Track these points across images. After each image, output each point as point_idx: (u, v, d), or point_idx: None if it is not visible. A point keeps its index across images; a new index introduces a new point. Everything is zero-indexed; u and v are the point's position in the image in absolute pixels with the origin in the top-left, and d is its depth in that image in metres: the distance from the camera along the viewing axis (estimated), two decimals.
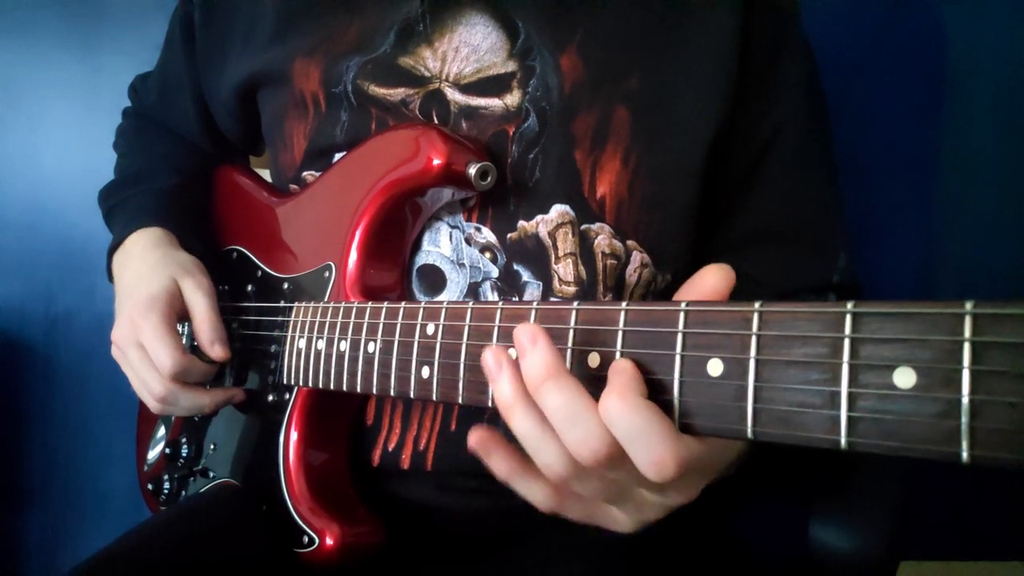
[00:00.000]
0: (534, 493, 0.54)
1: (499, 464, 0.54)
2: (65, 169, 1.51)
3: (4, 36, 1.48)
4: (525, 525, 0.83)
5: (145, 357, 0.82)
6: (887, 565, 0.79)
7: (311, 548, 0.76)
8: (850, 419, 0.37)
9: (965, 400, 0.33)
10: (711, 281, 0.50)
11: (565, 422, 0.48)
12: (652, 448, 0.44)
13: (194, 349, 0.86)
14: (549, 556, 0.82)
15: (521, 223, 0.79)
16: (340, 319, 0.74)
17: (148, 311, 0.82)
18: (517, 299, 0.79)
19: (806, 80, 0.86)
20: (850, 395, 0.37)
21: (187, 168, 1.03)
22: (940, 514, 1.17)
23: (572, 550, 0.80)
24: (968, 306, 0.34)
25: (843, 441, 0.37)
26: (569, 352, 0.51)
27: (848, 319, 0.38)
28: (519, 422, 0.50)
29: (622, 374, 0.46)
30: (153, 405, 0.85)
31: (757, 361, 0.41)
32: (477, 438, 0.54)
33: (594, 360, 0.50)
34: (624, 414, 0.45)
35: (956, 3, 1.20)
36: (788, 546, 0.82)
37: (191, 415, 0.91)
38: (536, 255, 0.79)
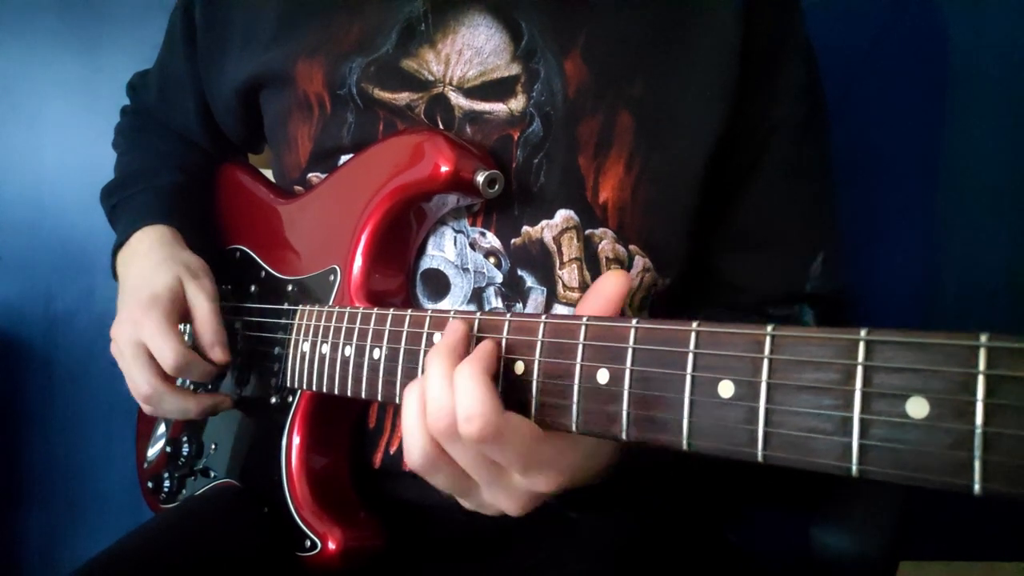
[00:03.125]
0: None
1: None
2: (65, 169, 1.50)
3: (4, 36, 1.48)
4: (526, 526, 0.83)
5: (139, 354, 0.82)
6: (887, 565, 0.79)
7: (314, 552, 0.76)
8: (862, 447, 0.37)
9: (978, 432, 0.34)
10: (605, 287, 0.57)
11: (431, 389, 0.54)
12: (469, 406, 0.51)
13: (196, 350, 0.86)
14: (549, 557, 0.82)
15: (526, 228, 0.79)
16: (345, 324, 0.73)
17: (150, 308, 0.82)
18: (521, 305, 0.79)
19: (805, 82, 0.86)
20: (862, 422, 0.37)
21: (188, 166, 1.03)
22: (940, 514, 1.18)
23: (572, 551, 0.81)
24: (983, 339, 0.34)
25: (854, 469, 0.37)
26: (578, 368, 0.51)
27: (861, 346, 0.38)
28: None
29: (478, 350, 0.55)
30: (143, 406, 0.85)
31: (768, 384, 0.41)
32: None
33: (603, 376, 0.50)
34: (460, 378, 0.52)
35: (956, 3, 1.20)
36: (787, 546, 0.82)
37: (177, 418, 0.90)
38: (540, 260, 0.79)
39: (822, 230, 0.88)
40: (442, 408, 0.53)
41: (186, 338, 0.95)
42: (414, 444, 0.56)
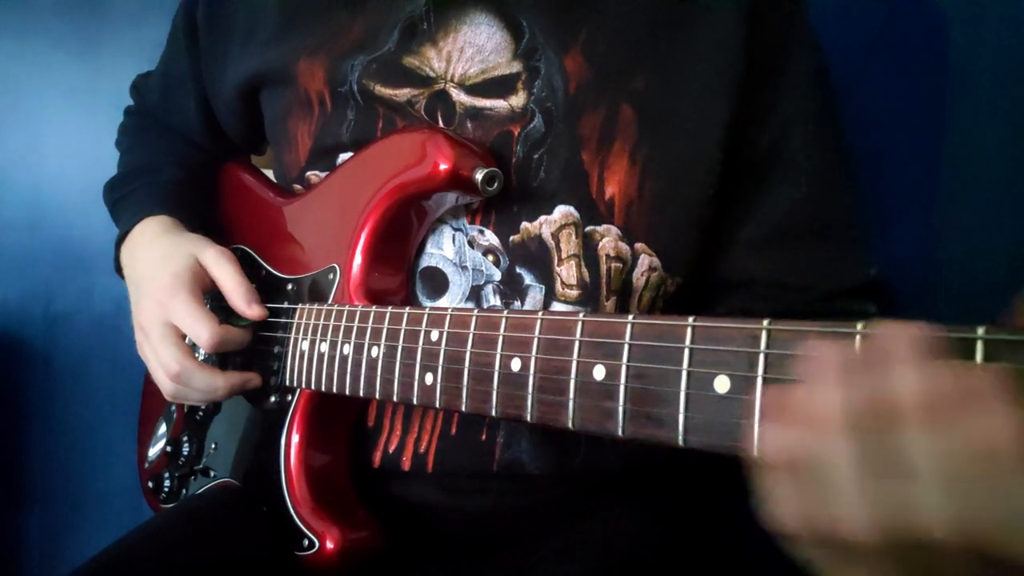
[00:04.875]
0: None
1: None
2: (65, 169, 1.51)
3: (4, 36, 1.48)
4: (526, 525, 0.83)
5: (167, 334, 0.82)
6: None
7: (312, 551, 0.76)
8: None
9: None
10: None
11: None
12: None
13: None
14: (550, 556, 0.82)
15: (524, 225, 0.79)
16: (344, 323, 0.73)
17: (175, 289, 0.82)
18: (519, 303, 0.79)
19: (813, 74, 0.84)
20: None
21: (190, 164, 1.03)
22: None
23: (572, 550, 0.81)
24: (980, 331, 0.33)
25: None
26: (574, 364, 0.51)
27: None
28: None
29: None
30: (167, 387, 0.85)
31: (764, 379, 0.41)
32: None
33: (599, 372, 0.50)
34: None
35: (956, 3, 1.20)
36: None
37: (205, 399, 0.89)
38: (539, 257, 0.79)
39: (862, 218, 0.87)
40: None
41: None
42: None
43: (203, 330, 0.80)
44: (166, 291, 0.82)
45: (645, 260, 0.81)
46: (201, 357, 0.95)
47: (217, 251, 0.86)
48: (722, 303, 0.88)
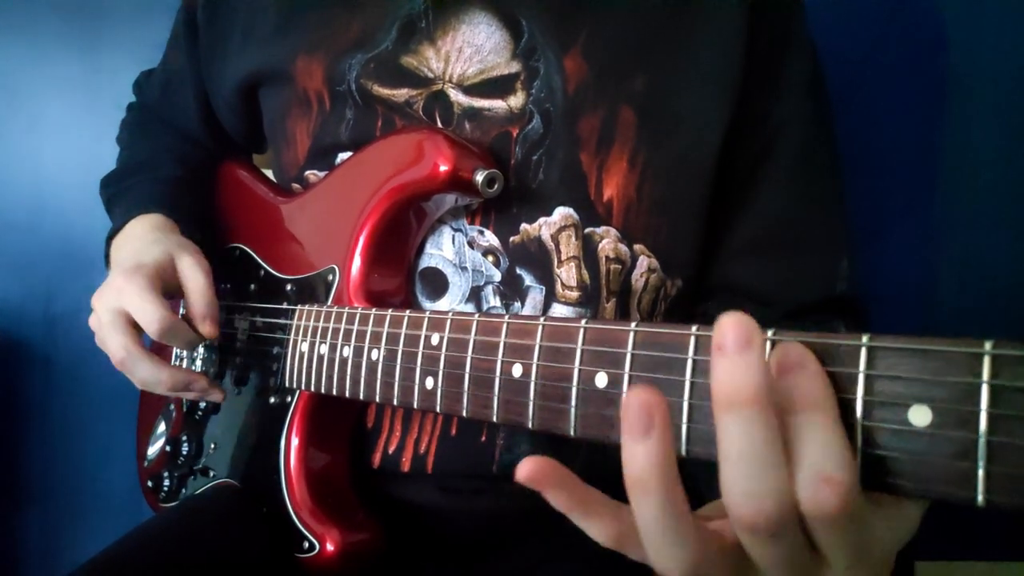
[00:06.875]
0: (596, 531, 0.45)
1: (559, 499, 0.44)
2: (65, 169, 1.50)
3: (4, 36, 1.47)
4: (526, 525, 0.83)
5: (116, 320, 0.80)
6: (900, 566, 0.79)
7: (312, 554, 0.76)
8: (863, 455, 0.37)
9: (982, 441, 0.33)
10: None
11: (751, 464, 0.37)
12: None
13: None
14: (550, 556, 0.82)
15: (524, 226, 0.78)
16: (344, 325, 0.73)
17: (132, 275, 0.80)
18: (519, 304, 0.79)
19: (809, 79, 0.86)
20: (864, 430, 0.37)
21: (190, 161, 1.03)
22: (940, 514, 1.17)
23: (573, 550, 0.81)
24: (987, 346, 0.33)
25: None
26: (576, 372, 0.51)
27: (863, 353, 0.37)
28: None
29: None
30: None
31: None
32: (528, 473, 0.43)
33: (601, 380, 0.49)
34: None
35: (956, 3, 1.20)
36: None
37: (151, 389, 0.87)
38: (539, 259, 0.79)
39: (842, 231, 0.87)
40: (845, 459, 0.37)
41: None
42: (772, 498, 0.37)
43: (150, 313, 0.78)
44: (124, 277, 0.80)
45: (644, 261, 0.81)
46: (200, 357, 0.94)
47: (195, 259, 0.85)
48: (696, 307, 0.89)
